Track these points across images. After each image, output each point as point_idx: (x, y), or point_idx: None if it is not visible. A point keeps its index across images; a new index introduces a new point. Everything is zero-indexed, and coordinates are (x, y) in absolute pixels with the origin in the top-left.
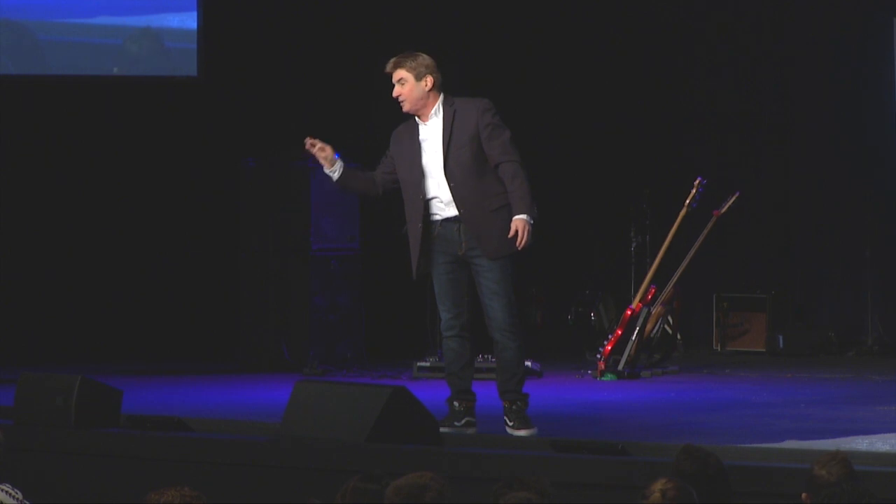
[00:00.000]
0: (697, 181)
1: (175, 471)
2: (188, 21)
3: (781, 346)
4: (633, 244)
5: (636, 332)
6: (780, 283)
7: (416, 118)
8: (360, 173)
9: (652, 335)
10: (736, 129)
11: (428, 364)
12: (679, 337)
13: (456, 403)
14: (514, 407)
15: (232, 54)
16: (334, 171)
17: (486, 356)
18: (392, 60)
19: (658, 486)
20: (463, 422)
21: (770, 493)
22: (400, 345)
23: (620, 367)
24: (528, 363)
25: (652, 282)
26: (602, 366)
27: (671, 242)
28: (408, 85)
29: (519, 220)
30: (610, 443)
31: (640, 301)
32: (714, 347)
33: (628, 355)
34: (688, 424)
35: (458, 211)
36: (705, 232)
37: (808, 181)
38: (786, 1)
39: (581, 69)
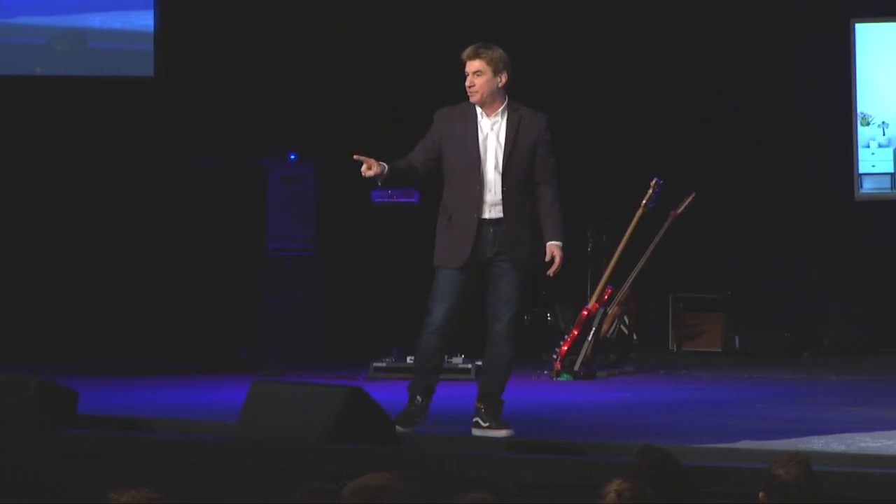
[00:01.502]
0: (654, 182)
1: (133, 471)
2: (146, 21)
3: (738, 346)
4: (590, 244)
5: (592, 332)
6: (737, 283)
7: (478, 109)
8: (402, 170)
9: (608, 335)
10: (693, 129)
11: (384, 365)
12: (635, 337)
13: (419, 398)
14: (491, 410)
15: (189, 54)
16: (381, 179)
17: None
18: (472, 48)
19: (613, 486)
20: (419, 419)
21: (727, 493)
22: (356, 345)
23: (576, 367)
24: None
25: (608, 282)
26: (558, 366)
27: (627, 243)
28: (485, 76)
29: (556, 247)
30: (566, 443)
31: (596, 301)
32: (670, 348)
33: (584, 356)
34: (644, 425)
35: (504, 214)
36: (661, 232)
37: (766, 182)
38: (745, 2)
39: (538, 69)
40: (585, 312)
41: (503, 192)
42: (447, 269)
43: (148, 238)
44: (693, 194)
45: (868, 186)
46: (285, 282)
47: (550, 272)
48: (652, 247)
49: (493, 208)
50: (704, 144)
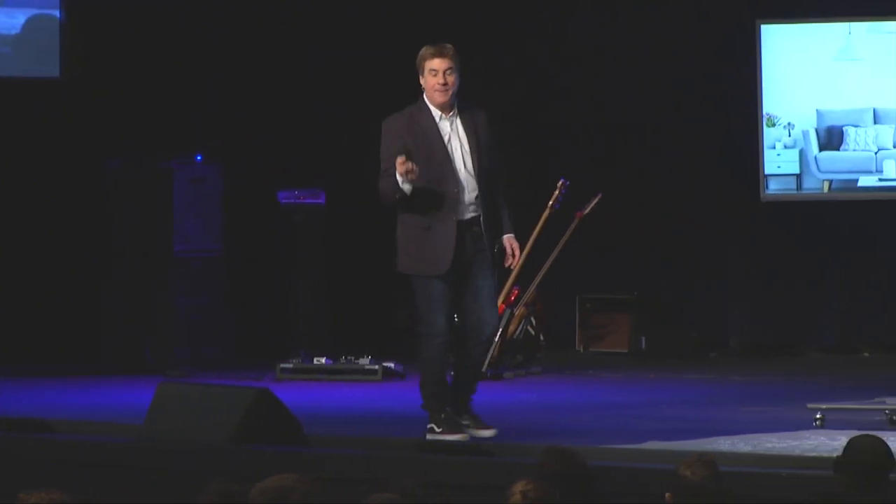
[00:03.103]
0: (560, 182)
1: (39, 473)
2: (51, 22)
3: (644, 347)
4: (496, 246)
5: (499, 333)
6: (644, 284)
7: (433, 110)
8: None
9: (515, 336)
10: (599, 129)
11: (291, 366)
12: (542, 338)
13: (447, 408)
14: (470, 409)
15: (95, 55)
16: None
17: (349, 358)
18: (440, 46)
19: (519, 486)
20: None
21: (633, 494)
22: (263, 346)
23: (483, 368)
24: (391, 364)
25: (515, 283)
26: None
27: (534, 244)
28: (455, 74)
29: (513, 239)
30: (473, 444)
31: (502, 302)
32: (577, 349)
33: (491, 357)
34: (551, 425)
35: (478, 213)
36: (568, 233)
37: (672, 183)
38: (652, 3)
39: None
40: None
41: (478, 191)
42: (432, 276)
43: (55, 239)
44: (599, 195)
45: (774, 187)
46: (192, 283)
47: (513, 264)
48: (558, 248)
49: (469, 209)
50: (611, 145)
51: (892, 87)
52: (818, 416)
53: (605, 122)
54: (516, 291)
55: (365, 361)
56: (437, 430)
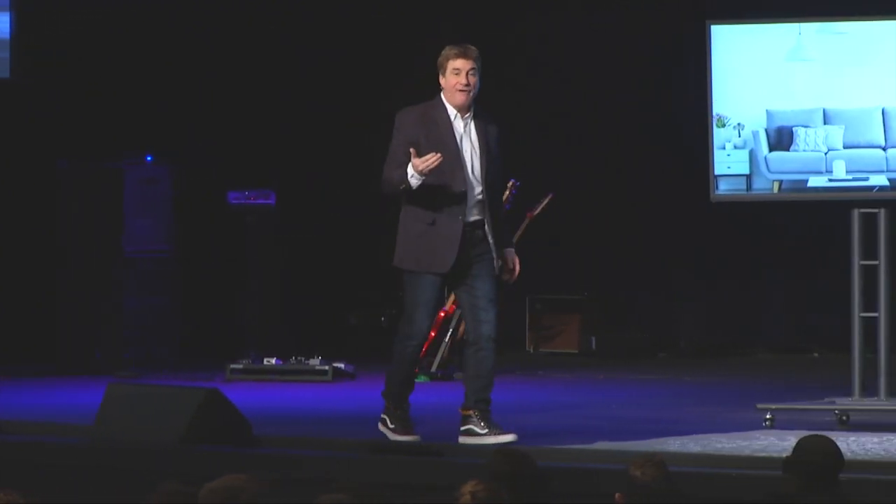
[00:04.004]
0: (511, 183)
1: None
2: (1, 24)
3: (594, 347)
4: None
5: (449, 334)
6: (594, 284)
7: (449, 108)
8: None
9: (465, 337)
10: (550, 130)
11: (241, 366)
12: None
13: (403, 406)
14: (485, 415)
15: (45, 56)
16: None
17: (299, 358)
18: (464, 47)
19: (468, 487)
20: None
21: (584, 494)
22: (213, 347)
23: (434, 368)
24: (341, 365)
25: None
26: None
27: None
28: (477, 76)
29: (513, 253)
30: (423, 444)
31: (453, 303)
32: (527, 349)
33: (441, 357)
34: (501, 425)
35: (482, 217)
36: (519, 233)
37: (622, 183)
38: (600, 2)
39: (395, 69)
40: (443, 314)
41: (483, 196)
42: (429, 275)
43: (7, 240)
44: (550, 195)
45: (724, 188)
46: (143, 283)
47: (513, 278)
48: None
49: (473, 211)
50: (561, 145)
51: (842, 88)
52: (768, 416)
53: (555, 122)
54: None
55: (315, 362)
56: (389, 425)
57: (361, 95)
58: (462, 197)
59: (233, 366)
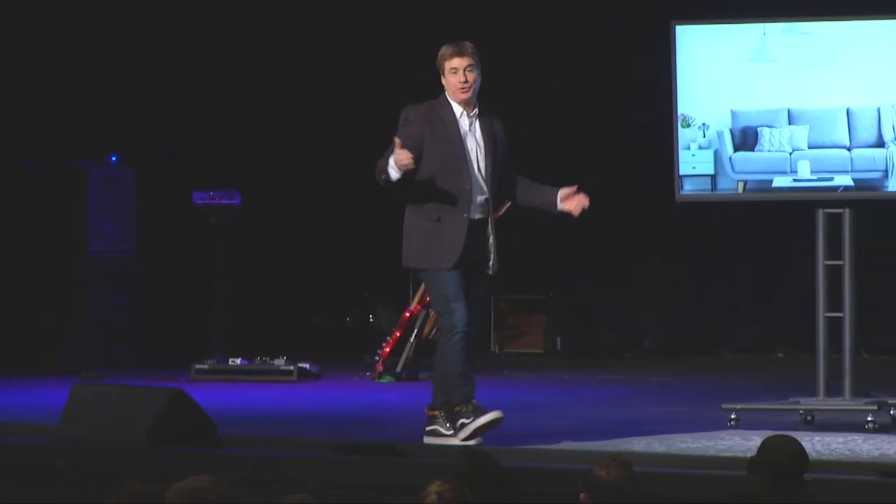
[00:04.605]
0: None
1: None
2: None
3: (559, 347)
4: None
5: (414, 334)
6: (559, 284)
7: (454, 105)
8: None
9: (430, 337)
10: (514, 130)
11: (206, 367)
12: None
13: (466, 407)
14: (452, 415)
15: (9, 57)
16: (402, 174)
17: (264, 358)
18: (461, 45)
19: (434, 487)
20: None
21: (548, 494)
22: (178, 347)
23: (399, 369)
24: (306, 365)
25: None
26: (380, 368)
27: None
28: (476, 72)
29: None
30: (389, 444)
31: (418, 303)
32: (492, 349)
33: (406, 357)
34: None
35: (486, 216)
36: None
37: (587, 183)
38: (565, 3)
39: (362, 69)
40: (408, 314)
41: (488, 195)
42: (442, 269)
43: None
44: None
45: (689, 188)
46: (108, 283)
47: (584, 201)
48: None
49: (478, 209)
50: (526, 145)
51: (807, 88)
52: (733, 416)
53: (520, 121)
54: None
55: (280, 362)
56: (466, 422)
57: (328, 94)
58: (467, 195)
59: (198, 366)
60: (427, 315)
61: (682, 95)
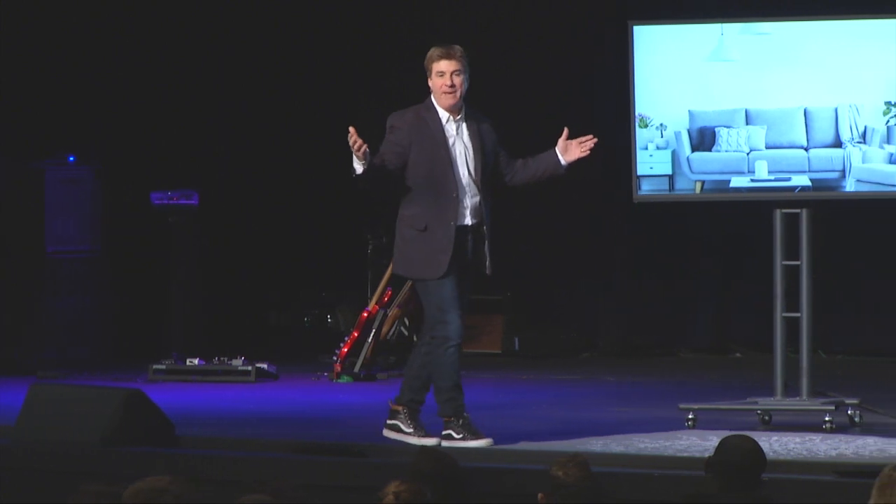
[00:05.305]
0: None
1: None
2: None
3: (517, 347)
4: (370, 246)
5: (372, 334)
6: (516, 284)
7: (440, 111)
8: (378, 166)
9: (388, 337)
10: None
11: (164, 367)
12: (415, 339)
13: (457, 420)
14: (415, 414)
15: None
16: (363, 164)
17: (222, 358)
18: (448, 48)
19: (392, 487)
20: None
21: (506, 494)
22: (136, 347)
23: (357, 369)
24: (264, 365)
25: (388, 284)
26: (338, 368)
27: None
28: (462, 76)
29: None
30: (346, 444)
31: (376, 303)
32: None
33: (364, 357)
34: (425, 426)
35: (478, 220)
36: None
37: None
38: (522, 2)
39: (320, 69)
40: (366, 314)
41: (479, 197)
42: (434, 278)
43: None
44: None
45: (646, 188)
46: (65, 283)
47: (585, 139)
48: None
49: (469, 214)
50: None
51: (765, 88)
52: (690, 416)
53: None
54: (389, 292)
55: (238, 363)
56: (455, 436)
57: (286, 95)
58: (454, 201)
59: (155, 366)
60: (385, 315)
61: (640, 95)
